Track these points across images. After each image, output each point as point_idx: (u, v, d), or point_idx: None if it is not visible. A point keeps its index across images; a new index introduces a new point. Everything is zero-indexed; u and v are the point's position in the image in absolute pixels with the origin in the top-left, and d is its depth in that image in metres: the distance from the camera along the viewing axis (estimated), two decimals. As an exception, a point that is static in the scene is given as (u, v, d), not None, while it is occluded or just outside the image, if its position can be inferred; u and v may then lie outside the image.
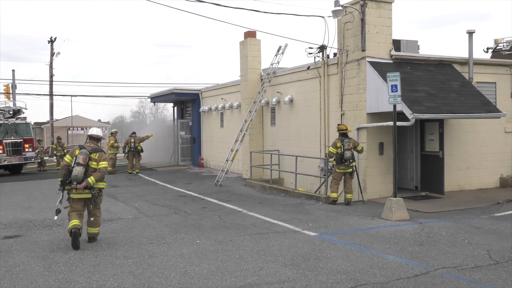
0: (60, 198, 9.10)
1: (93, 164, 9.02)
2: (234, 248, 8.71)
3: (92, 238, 9.21)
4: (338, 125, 13.99)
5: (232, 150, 19.25)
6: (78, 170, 8.82)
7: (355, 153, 13.60)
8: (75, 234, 8.64)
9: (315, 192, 15.39)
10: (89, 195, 9.01)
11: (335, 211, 12.49)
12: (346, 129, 13.62)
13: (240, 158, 20.60)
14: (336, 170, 13.44)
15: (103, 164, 9.13)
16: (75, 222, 8.76)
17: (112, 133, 24.69)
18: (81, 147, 9.13)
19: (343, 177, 13.53)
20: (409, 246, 8.75)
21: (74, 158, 8.96)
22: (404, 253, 8.31)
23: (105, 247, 8.90)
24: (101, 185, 9.14)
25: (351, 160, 13.29)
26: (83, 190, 8.93)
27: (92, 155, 9.04)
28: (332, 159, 13.62)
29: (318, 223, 10.88)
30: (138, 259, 8.08)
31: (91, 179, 8.87)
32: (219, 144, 24.37)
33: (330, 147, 13.59)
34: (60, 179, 9.01)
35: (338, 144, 13.30)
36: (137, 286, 6.77)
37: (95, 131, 9.51)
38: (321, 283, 6.79)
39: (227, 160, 19.12)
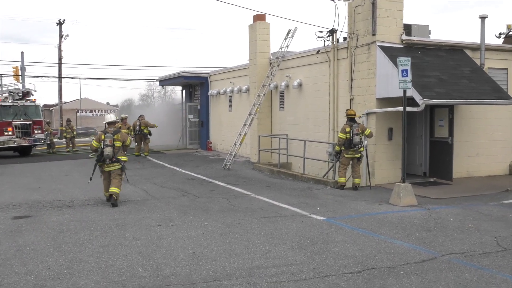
0: (93, 171, 11.75)
1: (117, 143, 11.35)
2: (242, 231, 8.76)
3: (111, 197, 11.24)
4: (347, 110, 13.91)
5: (240, 134, 19.25)
6: (108, 150, 11.19)
7: (365, 138, 13.54)
8: (111, 196, 11.23)
9: (323, 176, 15.39)
10: (119, 166, 11.37)
11: (343, 195, 12.50)
12: (355, 114, 13.55)
13: (248, 142, 20.60)
14: (344, 155, 13.41)
15: (129, 140, 11.87)
16: (107, 192, 11.42)
17: (122, 119, 23.80)
18: (105, 133, 11.41)
19: (350, 162, 13.51)
20: (417, 232, 8.75)
21: (102, 141, 11.27)
22: (411, 238, 8.32)
23: (114, 228, 8.98)
24: (125, 159, 11.53)
25: (359, 145, 13.25)
26: (113, 163, 11.28)
27: (115, 136, 11.37)
28: (338, 146, 13.55)
29: (326, 208, 10.90)
30: (146, 241, 8.15)
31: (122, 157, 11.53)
32: (227, 128, 24.38)
33: (340, 133, 13.53)
34: (95, 158, 11.67)
35: (347, 129, 13.25)
36: (145, 266, 6.84)
37: (112, 117, 11.94)
38: (328, 266, 6.82)
39: (235, 144, 19.14)
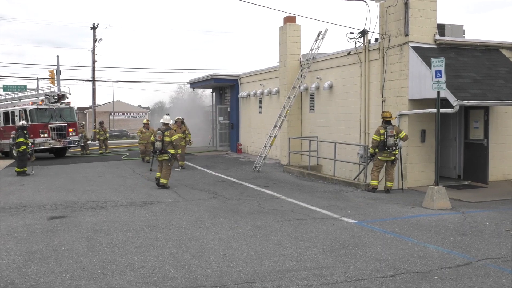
0: (151, 161, 15.30)
1: (167, 138, 14.15)
2: (272, 234, 8.74)
3: (163, 186, 14.18)
4: (383, 112, 13.74)
5: (270, 136, 19.23)
6: (158, 144, 14.18)
7: (399, 141, 13.32)
8: (157, 179, 14.31)
9: (354, 179, 15.23)
10: (167, 157, 14.13)
11: (375, 198, 12.34)
12: (390, 117, 13.35)
13: (278, 144, 20.57)
14: (378, 157, 13.24)
15: (175, 137, 14.33)
16: (158, 174, 14.37)
17: (176, 121, 20.46)
18: (158, 130, 14.48)
19: (384, 164, 13.32)
20: (451, 236, 8.56)
21: (155, 137, 14.38)
22: (445, 242, 8.14)
23: (146, 230, 9.09)
24: (172, 151, 14.18)
25: (393, 148, 13.05)
26: (162, 154, 14.11)
27: (165, 133, 14.20)
28: (372, 148, 13.39)
29: (357, 210, 10.78)
30: (178, 242, 8.22)
31: (172, 150, 14.34)
32: (257, 130, 24.40)
33: (374, 135, 13.35)
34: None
35: (381, 131, 13.08)
36: (177, 268, 6.90)
37: (166, 119, 14.69)
38: (360, 270, 6.74)
39: (265, 146, 19.13)
